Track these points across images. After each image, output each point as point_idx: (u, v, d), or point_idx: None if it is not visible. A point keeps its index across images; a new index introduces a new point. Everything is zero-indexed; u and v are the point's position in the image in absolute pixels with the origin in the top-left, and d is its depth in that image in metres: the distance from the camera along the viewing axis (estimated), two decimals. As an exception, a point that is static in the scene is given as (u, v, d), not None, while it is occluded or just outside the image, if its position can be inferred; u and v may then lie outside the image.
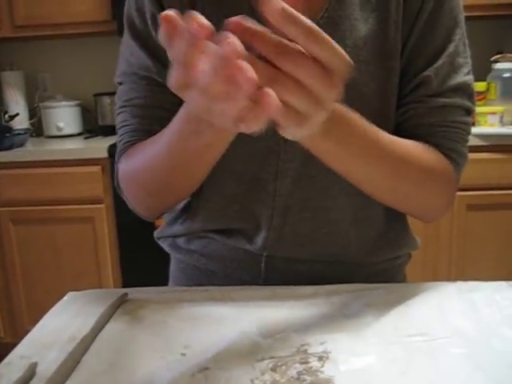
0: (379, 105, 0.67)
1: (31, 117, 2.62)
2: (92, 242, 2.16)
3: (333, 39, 0.39)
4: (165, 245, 0.80)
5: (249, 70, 0.35)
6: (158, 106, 0.68)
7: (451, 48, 0.67)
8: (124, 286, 2.17)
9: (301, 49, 0.38)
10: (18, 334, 2.22)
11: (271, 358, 0.50)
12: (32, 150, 2.19)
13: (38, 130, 2.59)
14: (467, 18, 0.69)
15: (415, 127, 0.68)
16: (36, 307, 2.19)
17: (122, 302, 0.64)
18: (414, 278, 0.74)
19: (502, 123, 2.10)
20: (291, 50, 0.38)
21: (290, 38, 0.38)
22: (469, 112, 0.69)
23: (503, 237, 2.09)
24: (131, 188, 0.70)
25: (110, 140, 2.22)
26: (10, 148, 2.14)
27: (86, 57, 2.66)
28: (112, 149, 2.08)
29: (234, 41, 0.36)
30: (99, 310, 0.59)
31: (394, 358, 0.49)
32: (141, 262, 2.15)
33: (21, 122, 2.50)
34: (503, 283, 0.64)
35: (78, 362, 0.51)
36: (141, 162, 0.66)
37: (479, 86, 2.12)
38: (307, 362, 0.49)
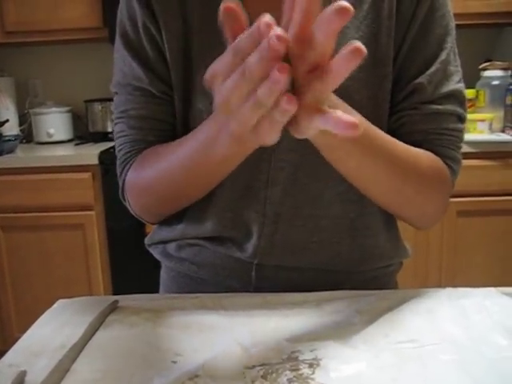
0: (371, 111, 0.67)
1: (21, 123, 2.60)
2: (82, 248, 2.15)
3: None
4: (155, 252, 0.80)
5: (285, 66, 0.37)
6: (152, 117, 0.71)
7: (443, 55, 0.67)
8: (114, 293, 2.15)
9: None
10: (7, 341, 2.19)
11: (262, 365, 0.50)
12: (22, 157, 2.18)
13: (28, 136, 2.57)
14: (456, 26, 0.69)
15: (409, 134, 0.68)
16: (25, 315, 2.17)
17: (112, 309, 0.63)
18: (405, 285, 0.75)
19: (491, 130, 2.13)
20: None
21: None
22: (461, 119, 0.70)
23: (493, 243, 2.10)
24: (142, 197, 0.72)
25: (101, 146, 2.21)
26: (-1, 154, 2.13)
27: (76, 63, 2.65)
28: (103, 155, 2.07)
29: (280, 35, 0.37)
30: (89, 317, 0.59)
31: (384, 364, 0.49)
32: (131, 269, 2.14)
33: (11, 129, 2.48)
34: (493, 289, 0.64)
35: (68, 370, 0.50)
36: (155, 172, 0.68)
37: (468, 94, 2.12)
38: (298, 369, 0.49)
